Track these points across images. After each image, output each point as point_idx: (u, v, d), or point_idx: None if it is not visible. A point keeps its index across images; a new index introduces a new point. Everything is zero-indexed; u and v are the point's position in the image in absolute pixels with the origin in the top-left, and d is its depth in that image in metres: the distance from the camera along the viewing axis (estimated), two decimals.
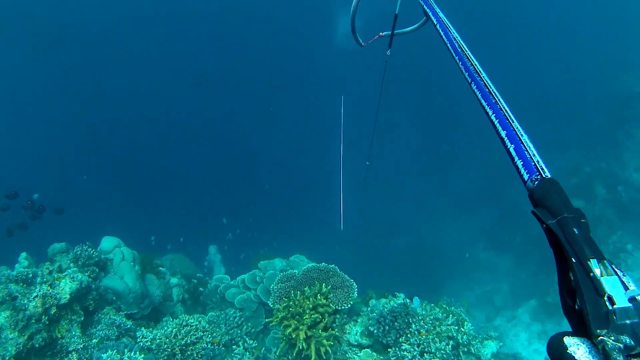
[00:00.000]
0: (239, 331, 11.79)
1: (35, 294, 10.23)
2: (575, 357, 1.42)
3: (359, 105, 22.34)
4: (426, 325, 10.71)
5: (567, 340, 1.48)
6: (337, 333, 10.75)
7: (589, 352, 1.42)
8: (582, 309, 1.47)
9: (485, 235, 26.80)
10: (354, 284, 11.13)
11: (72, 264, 11.74)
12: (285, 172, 38.88)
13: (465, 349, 10.81)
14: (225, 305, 13.60)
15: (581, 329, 1.48)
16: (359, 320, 11.39)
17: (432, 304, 12.94)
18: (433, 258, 27.13)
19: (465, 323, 11.36)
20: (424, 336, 10.45)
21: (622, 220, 20.00)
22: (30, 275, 10.86)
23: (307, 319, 10.21)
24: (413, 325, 10.65)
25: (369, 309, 11.80)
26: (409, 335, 10.52)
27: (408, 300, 11.81)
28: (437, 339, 10.45)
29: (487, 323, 18.97)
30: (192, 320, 11.31)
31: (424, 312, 11.34)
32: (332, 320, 10.71)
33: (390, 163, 34.84)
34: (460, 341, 10.90)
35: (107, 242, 12.71)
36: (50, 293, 10.35)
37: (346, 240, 29.00)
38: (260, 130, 42.29)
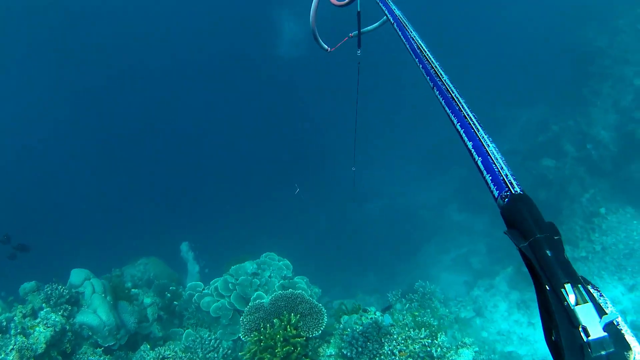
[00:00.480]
0: (215, 355, 11.82)
1: (11, 347, 10.28)
2: None
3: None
4: (399, 345, 10.79)
5: None
6: None
7: None
8: (558, 341, 1.42)
9: (458, 196, 26.90)
10: (323, 310, 11.22)
11: (44, 304, 11.79)
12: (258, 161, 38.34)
13: None
14: (201, 315, 13.77)
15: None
16: (331, 341, 11.50)
17: (405, 312, 13.05)
18: (407, 222, 27.27)
19: (439, 335, 11.46)
20: (400, 357, 10.55)
21: (593, 178, 20.06)
22: (5, 323, 10.93)
23: (279, 351, 10.29)
24: (386, 346, 10.72)
25: (341, 326, 11.89)
26: (382, 357, 10.61)
27: (379, 317, 11.85)
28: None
29: (466, 296, 19.05)
30: (168, 352, 11.39)
31: (396, 331, 11.36)
32: (305, 346, 10.79)
33: (360, 128, 34.63)
34: (435, 355, 11.03)
35: (76, 276, 12.71)
36: (26, 345, 10.46)
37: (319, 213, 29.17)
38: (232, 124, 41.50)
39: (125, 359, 12.22)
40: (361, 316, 12.17)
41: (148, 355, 11.71)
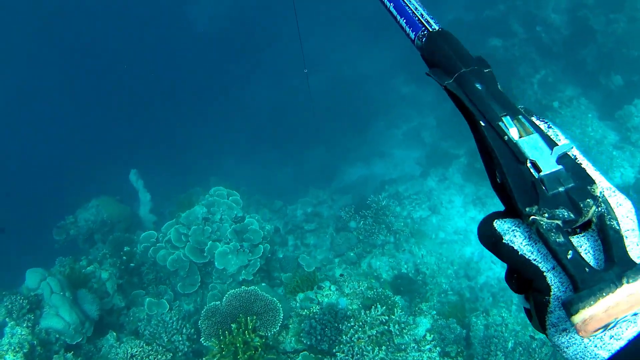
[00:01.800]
0: (179, 337, 11.82)
1: None
2: (515, 248, 1.20)
3: None
4: (357, 333, 10.78)
5: (500, 225, 1.25)
6: (273, 356, 10.91)
7: (529, 238, 1.21)
8: (504, 183, 1.26)
9: (404, 68, 25.80)
10: (278, 305, 11.09)
11: (7, 319, 11.67)
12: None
13: (399, 339, 11.04)
14: (158, 268, 13.83)
15: (512, 207, 1.25)
16: (290, 326, 11.47)
17: (358, 279, 12.98)
18: (355, 95, 26.36)
19: (396, 309, 11.46)
20: (358, 343, 10.63)
21: (544, 59, 19.40)
22: None
23: (241, 357, 10.29)
24: (344, 336, 10.70)
25: (297, 304, 11.85)
26: (341, 345, 10.64)
27: (334, 299, 11.74)
28: (369, 347, 10.55)
29: (421, 187, 18.83)
30: (135, 349, 11.51)
31: (351, 310, 11.34)
32: (266, 343, 10.80)
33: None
34: (394, 331, 11.11)
35: (32, 279, 12.53)
36: None
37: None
38: None
39: (95, 352, 12.23)
40: (316, 294, 11.97)
41: (117, 352, 11.70)
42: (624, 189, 15.53)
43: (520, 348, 11.54)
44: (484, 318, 12.50)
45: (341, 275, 13.36)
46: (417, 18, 1.69)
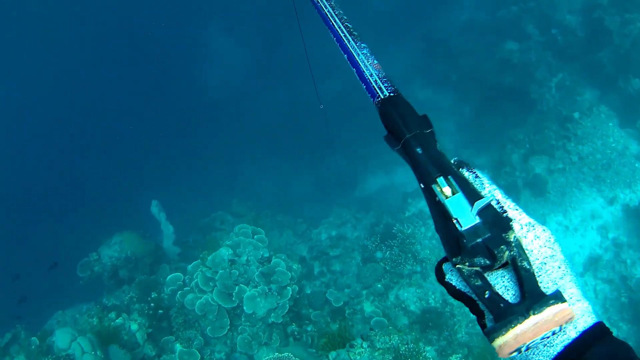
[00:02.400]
0: None
1: None
2: (453, 284, 1.44)
3: None
4: None
5: (444, 267, 1.48)
6: None
7: (461, 279, 1.44)
8: (439, 236, 1.48)
9: (420, 71, 25.39)
10: None
11: None
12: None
13: None
14: (187, 311, 13.71)
15: None
16: None
17: (389, 332, 12.99)
18: (370, 103, 25.77)
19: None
20: None
21: (560, 62, 19.00)
22: None
23: None
24: None
25: None
26: None
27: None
28: None
29: None
30: None
31: None
32: None
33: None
34: None
35: (62, 339, 12.68)
36: None
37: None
38: None
39: None
40: (348, 352, 11.93)
41: None
42: None
43: None
44: None
45: (371, 329, 13.28)
46: (372, 85, 1.82)
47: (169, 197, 19.51)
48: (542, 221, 15.47)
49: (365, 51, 1.98)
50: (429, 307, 14.51)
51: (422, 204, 18.83)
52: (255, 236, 14.88)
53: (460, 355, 11.95)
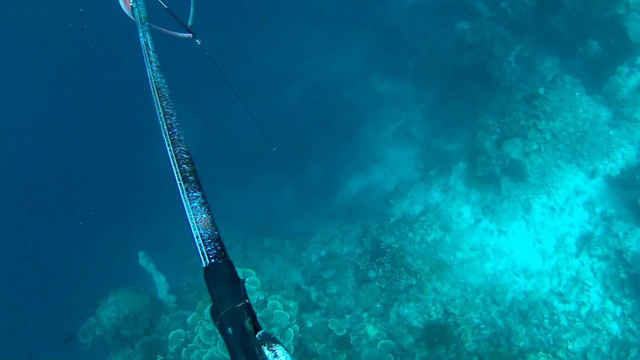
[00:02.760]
0: None
1: None
2: None
3: None
4: None
5: None
6: None
7: None
8: None
9: (375, 64, 24.89)
10: None
11: None
12: None
13: None
14: None
15: None
16: None
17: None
18: (334, 105, 25.50)
19: None
20: None
21: (515, 35, 18.74)
22: None
23: None
24: None
25: None
26: None
27: None
28: None
29: (425, 198, 18.42)
30: None
31: None
32: None
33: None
34: None
35: None
36: None
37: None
38: None
39: None
40: None
41: None
42: (628, 172, 15.12)
43: None
44: None
45: None
46: (199, 250, 1.82)
47: (154, 243, 19.16)
48: (527, 206, 15.38)
49: (196, 203, 1.97)
50: (431, 321, 14.35)
51: (405, 205, 18.64)
52: (247, 279, 14.61)
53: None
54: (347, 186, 22.56)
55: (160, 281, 17.10)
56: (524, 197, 16.43)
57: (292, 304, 14.32)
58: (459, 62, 19.85)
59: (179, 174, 2.15)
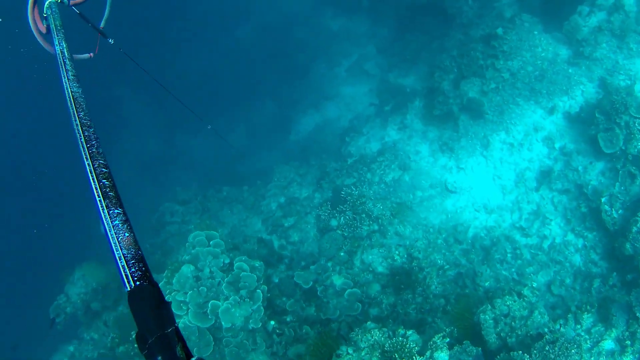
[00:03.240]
0: None
1: None
2: None
3: None
4: None
5: None
6: None
7: None
8: None
9: (328, 3, 24.12)
10: None
11: None
12: None
13: None
14: None
15: None
16: None
17: (369, 330, 12.76)
18: (286, 43, 24.73)
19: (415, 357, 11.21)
20: None
21: None
22: None
23: None
24: None
25: None
26: None
27: None
28: None
29: (381, 135, 18.16)
30: None
31: None
32: None
33: None
34: None
35: None
36: None
37: None
38: None
39: None
40: None
41: None
42: (587, 110, 14.99)
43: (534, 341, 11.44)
44: (491, 312, 12.22)
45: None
46: (122, 272, 1.73)
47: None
48: (486, 142, 15.21)
49: (118, 220, 1.90)
50: (396, 266, 14.27)
51: (361, 142, 18.40)
52: (212, 242, 14.23)
53: (443, 334, 11.71)
54: (301, 123, 22.23)
55: None
56: (482, 134, 16.26)
57: (257, 263, 14.07)
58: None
59: (98, 189, 2.05)
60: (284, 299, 13.95)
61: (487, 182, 15.82)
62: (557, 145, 15.35)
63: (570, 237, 14.22)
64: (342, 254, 14.71)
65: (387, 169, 16.61)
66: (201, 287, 13.06)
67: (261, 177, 19.11)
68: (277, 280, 14.58)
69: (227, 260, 13.76)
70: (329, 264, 14.66)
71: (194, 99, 25.54)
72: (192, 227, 15.56)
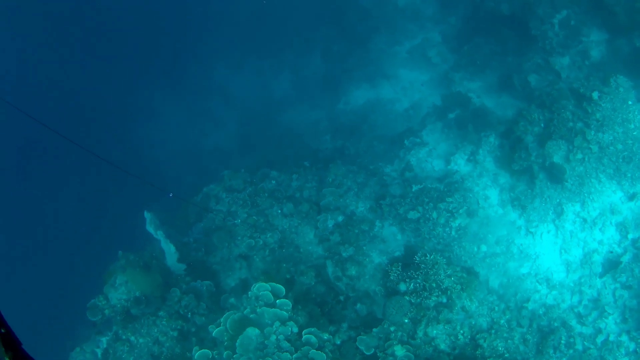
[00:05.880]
0: None
1: None
2: None
3: None
4: None
5: None
6: None
7: None
8: None
9: None
10: None
11: None
12: None
13: None
14: None
15: None
16: None
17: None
18: (348, 8, 22.02)
19: None
20: None
21: None
22: None
23: None
24: None
25: None
26: None
27: None
28: None
29: (444, 144, 17.38)
30: None
31: None
32: None
33: None
34: None
35: None
36: None
37: None
38: None
39: None
40: None
41: None
42: None
43: None
44: None
45: None
46: None
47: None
48: (560, 210, 14.72)
49: None
50: (459, 344, 14.30)
51: (423, 154, 17.64)
52: (278, 301, 13.86)
53: None
54: (352, 95, 20.85)
55: (169, 250, 15.94)
56: (557, 201, 15.61)
57: (326, 336, 13.82)
58: (496, 7, 17.48)
59: None
60: None
61: (553, 253, 15.49)
62: (630, 236, 14.93)
63: (624, 338, 14.30)
64: (406, 320, 14.54)
65: (455, 212, 15.94)
66: (267, 358, 12.73)
67: (308, 155, 18.14)
68: (339, 342, 14.46)
69: (296, 330, 13.38)
70: (392, 328, 14.53)
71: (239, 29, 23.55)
72: (239, 222, 15.13)
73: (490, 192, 16.42)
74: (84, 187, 25.93)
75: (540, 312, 14.84)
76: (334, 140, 19.96)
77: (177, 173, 21.53)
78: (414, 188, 16.69)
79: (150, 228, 15.97)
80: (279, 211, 17.10)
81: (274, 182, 18.05)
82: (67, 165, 25.58)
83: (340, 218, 16.81)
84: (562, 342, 14.29)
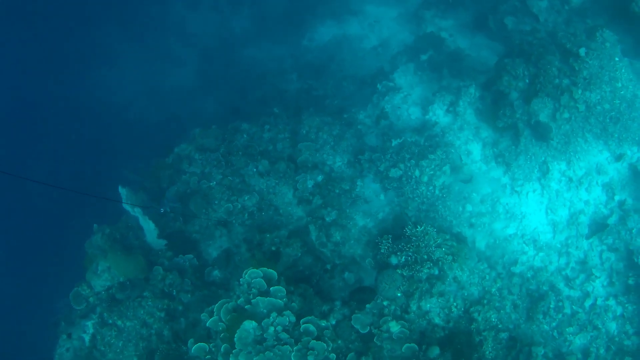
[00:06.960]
0: None
1: None
2: None
3: None
4: None
5: None
6: None
7: None
8: None
9: None
10: None
11: None
12: None
13: None
14: None
15: None
16: None
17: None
18: None
19: None
20: None
21: None
22: None
23: None
24: None
25: None
26: None
27: None
28: None
29: (419, 89, 16.39)
30: None
31: None
32: None
33: None
34: None
35: None
36: None
37: None
38: None
39: None
40: None
41: None
42: None
43: None
44: None
45: None
46: None
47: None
48: (545, 169, 14.19)
49: None
50: (452, 317, 13.78)
51: (398, 100, 16.52)
52: (271, 288, 13.16)
53: None
54: (317, 31, 19.37)
55: (149, 227, 15.03)
56: (543, 159, 15.04)
57: (324, 323, 13.20)
58: None
59: None
60: (340, 342, 13.16)
61: (539, 213, 15.00)
62: (616, 198, 14.63)
63: (612, 302, 14.10)
64: (399, 294, 13.80)
65: (437, 170, 15.04)
66: (267, 352, 12.10)
67: (274, 96, 16.79)
68: (334, 323, 13.58)
69: (293, 319, 12.81)
70: (385, 303, 13.74)
71: None
72: (214, 185, 15.24)
73: (472, 146, 15.67)
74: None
75: (529, 275, 14.54)
76: (300, 79, 18.66)
77: (144, 127, 19.56)
78: (394, 143, 15.69)
79: (126, 205, 14.98)
80: (255, 170, 15.95)
81: (245, 135, 16.97)
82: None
83: (319, 177, 15.78)
84: (552, 306, 14.01)
